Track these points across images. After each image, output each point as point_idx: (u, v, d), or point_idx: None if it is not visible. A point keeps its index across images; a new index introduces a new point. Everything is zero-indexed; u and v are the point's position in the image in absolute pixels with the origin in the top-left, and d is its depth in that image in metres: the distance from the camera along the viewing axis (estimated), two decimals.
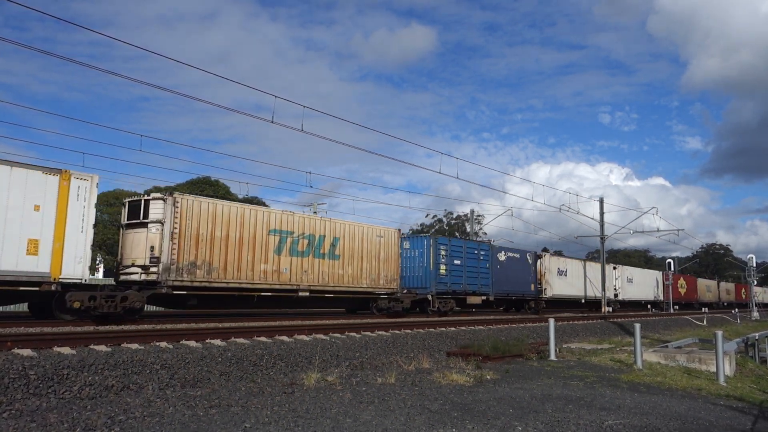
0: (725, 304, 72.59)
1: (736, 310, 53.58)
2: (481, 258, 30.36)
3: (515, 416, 7.90)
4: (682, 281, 59.85)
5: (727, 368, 13.44)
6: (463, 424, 7.33)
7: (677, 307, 53.19)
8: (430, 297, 26.60)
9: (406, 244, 27.30)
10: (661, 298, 53.39)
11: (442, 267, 27.37)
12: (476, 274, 29.82)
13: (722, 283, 76.97)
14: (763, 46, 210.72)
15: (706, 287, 68.49)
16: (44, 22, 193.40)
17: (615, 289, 44.33)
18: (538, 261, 36.53)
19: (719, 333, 12.98)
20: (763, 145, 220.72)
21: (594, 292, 41.59)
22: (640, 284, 50.48)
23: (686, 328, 33.10)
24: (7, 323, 13.76)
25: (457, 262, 28.35)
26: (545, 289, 36.01)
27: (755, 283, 57.97)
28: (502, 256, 32.13)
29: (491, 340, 16.38)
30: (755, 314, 52.44)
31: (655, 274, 54.90)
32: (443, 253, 27.62)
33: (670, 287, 56.30)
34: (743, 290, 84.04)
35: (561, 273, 38.54)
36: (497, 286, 31.22)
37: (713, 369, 13.19)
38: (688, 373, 13.45)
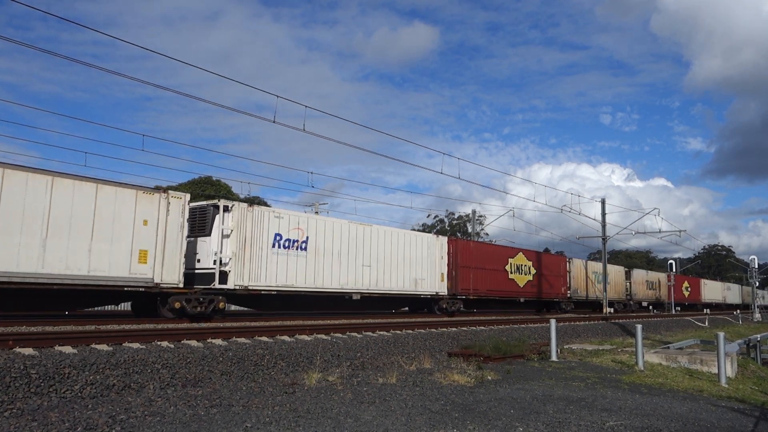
0: (643, 305, 49.86)
1: (738, 311, 53.45)
2: None
3: (516, 417, 7.89)
4: (522, 260, 33.13)
5: (729, 370, 13.42)
6: (464, 424, 7.33)
7: (473, 310, 31.50)
8: None
9: None
10: (456, 290, 27.94)
11: None
12: None
13: (638, 272, 51.04)
14: (767, 45, 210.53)
15: (594, 276, 41.88)
16: (47, 22, 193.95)
17: (218, 261, 17.93)
18: None
19: (721, 334, 12.95)
20: (765, 146, 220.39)
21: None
22: (389, 261, 23.92)
23: (688, 330, 33.07)
24: (9, 322, 13.78)
25: None
26: None
27: (757, 284, 57.88)
28: None
29: (493, 341, 16.38)
30: (757, 315, 52.40)
31: (439, 242, 27.34)
32: None
33: (672, 286, 49.97)
34: (685, 284, 59.70)
35: None
36: None
37: (715, 370, 13.16)
38: (689, 375, 13.43)
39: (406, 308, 28.74)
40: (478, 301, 30.36)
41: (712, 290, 68.63)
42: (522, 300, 33.28)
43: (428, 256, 26.31)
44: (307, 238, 20.46)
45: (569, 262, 39.26)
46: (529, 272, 34.26)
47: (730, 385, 12.30)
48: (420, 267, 25.73)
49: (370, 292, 23.00)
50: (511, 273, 32.50)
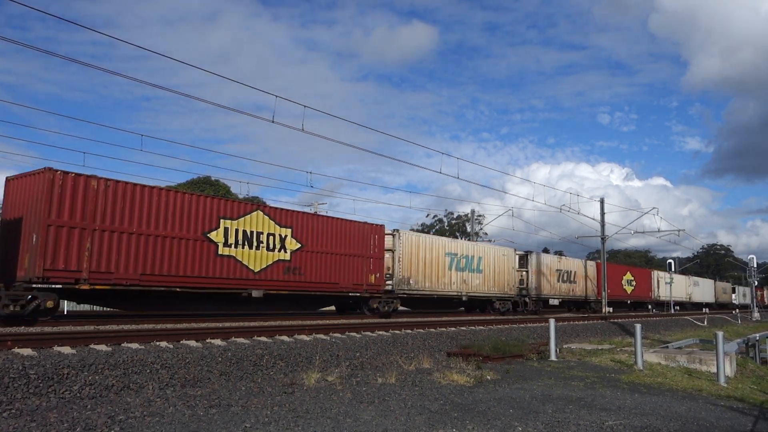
0: (551, 303, 35.88)
1: (737, 311, 53.38)
2: None
3: (515, 416, 7.89)
4: (263, 224, 19.04)
5: (728, 369, 13.42)
6: (464, 424, 7.33)
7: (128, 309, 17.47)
8: None
9: None
10: (34, 272, 13.22)
11: None
12: None
13: (544, 257, 35.96)
14: (765, 45, 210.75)
15: (451, 259, 27.74)
16: (46, 22, 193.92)
17: None
18: None
19: (720, 334, 12.97)
20: (764, 145, 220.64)
21: None
22: None
23: (687, 329, 33.09)
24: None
25: None
26: None
27: (756, 283, 57.92)
28: None
29: (492, 341, 16.39)
30: (756, 315, 52.43)
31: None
32: None
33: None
34: (627, 276, 45.60)
35: None
36: None
37: (714, 370, 13.18)
38: (688, 374, 13.43)
39: None
40: (120, 294, 15.90)
41: (672, 285, 51.54)
42: (258, 294, 18.89)
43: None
44: None
45: (396, 236, 24.68)
46: (283, 247, 19.73)
47: (729, 385, 12.31)
48: None
49: None
50: (228, 246, 18.06)
